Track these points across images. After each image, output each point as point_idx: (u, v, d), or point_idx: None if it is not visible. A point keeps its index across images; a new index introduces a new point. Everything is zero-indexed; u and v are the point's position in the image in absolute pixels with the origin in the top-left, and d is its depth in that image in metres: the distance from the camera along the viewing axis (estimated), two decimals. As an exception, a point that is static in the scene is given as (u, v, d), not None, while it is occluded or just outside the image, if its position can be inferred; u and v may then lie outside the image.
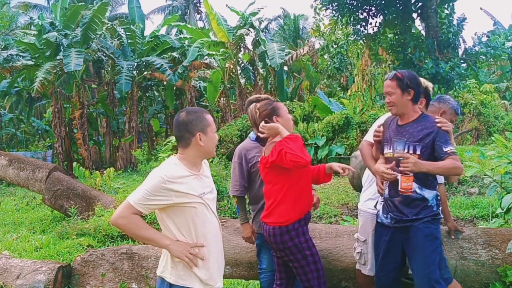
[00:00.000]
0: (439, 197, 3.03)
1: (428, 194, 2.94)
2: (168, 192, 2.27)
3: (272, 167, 2.95)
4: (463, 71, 10.50)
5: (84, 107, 16.93)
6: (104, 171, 10.16)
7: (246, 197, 3.69)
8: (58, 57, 15.67)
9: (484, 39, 11.78)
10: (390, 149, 3.03)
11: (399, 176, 2.84)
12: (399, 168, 2.82)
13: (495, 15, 22.72)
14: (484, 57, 11.54)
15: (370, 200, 3.43)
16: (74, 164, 10.88)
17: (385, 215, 3.08)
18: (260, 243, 3.57)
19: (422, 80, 3.26)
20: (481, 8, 35.58)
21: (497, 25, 23.02)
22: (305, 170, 3.04)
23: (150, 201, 2.28)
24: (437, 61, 10.16)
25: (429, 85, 3.34)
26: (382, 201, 3.12)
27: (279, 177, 2.98)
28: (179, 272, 2.36)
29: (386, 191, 3.03)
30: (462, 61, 10.96)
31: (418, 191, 2.91)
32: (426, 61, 10.24)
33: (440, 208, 3.04)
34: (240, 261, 3.93)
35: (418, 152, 2.90)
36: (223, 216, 7.28)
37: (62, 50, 15.47)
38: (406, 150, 2.91)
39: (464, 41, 14.49)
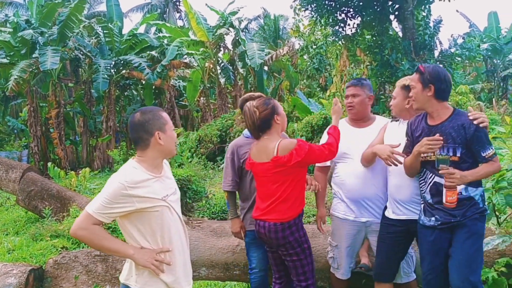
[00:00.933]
0: (484, 193, 2.89)
1: (474, 192, 2.81)
2: (129, 198, 2.18)
3: (290, 167, 2.92)
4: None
5: (60, 106, 16.63)
6: (80, 172, 10.00)
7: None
8: (34, 56, 15.32)
9: (460, 41, 12.01)
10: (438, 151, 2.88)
11: (444, 190, 2.75)
12: (445, 183, 2.73)
13: (471, 18, 23.14)
14: (459, 59, 11.76)
15: (339, 203, 3.43)
16: (49, 164, 10.65)
17: (428, 218, 2.91)
18: (249, 241, 3.55)
19: (407, 79, 3.21)
20: (457, 11, 36.30)
21: (472, 27, 23.53)
22: (305, 168, 3.07)
23: (111, 209, 2.18)
24: (413, 62, 10.31)
25: None
26: (422, 203, 2.97)
27: (288, 176, 2.96)
28: (145, 279, 2.28)
29: (428, 197, 2.90)
30: (437, 62, 11.13)
31: (463, 192, 2.79)
32: (403, 62, 10.37)
33: (486, 204, 2.90)
34: (216, 263, 3.91)
35: (458, 154, 2.79)
36: (201, 217, 7.26)
37: (38, 48, 15.12)
38: (446, 153, 2.79)
39: (440, 43, 14.74)
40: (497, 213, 3.73)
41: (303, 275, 3.05)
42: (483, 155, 2.73)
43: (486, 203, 2.90)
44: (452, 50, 11.65)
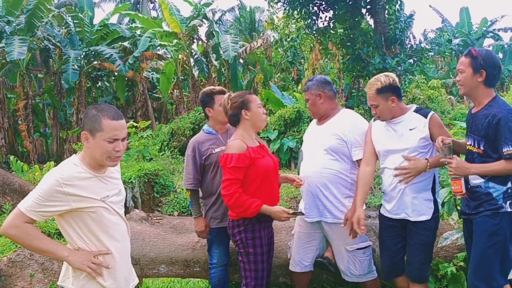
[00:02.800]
0: (510, 191, 2.67)
1: (495, 188, 2.66)
2: (64, 197, 2.04)
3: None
4: (409, 67, 10.77)
5: (29, 98, 16.23)
6: (45, 166, 9.76)
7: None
8: (0, 45, 14.90)
9: (432, 35, 12.15)
10: (468, 140, 2.82)
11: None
12: (448, 172, 2.69)
13: (443, 13, 23.47)
14: (431, 54, 11.90)
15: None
16: (11, 157, 10.34)
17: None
18: (212, 238, 3.53)
19: (380, 79, 3.07)
20: (430, 6, 36.75)
21: (445, 22, 23.87)
22: (268, 171, 2.98)
23: (44, 207, 2.03)
24: (384, 56, 10.38)
25: (392, 80, 3.08)
26: None
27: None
28: (81, 281, 2.16)
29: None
30: (408, 57, 11.24)
31: (483, 186, 2.69)
32: (374, 56, 10.43)
33: (510, 203, 2.66)
34: (176, 260, 3.84)
35: (481, 147, 2.67)
36: (171, 212, 7.17)
37: (4, 37, 14.69)
38: (473, 144, 2.72)
39: (414, 37, 14.89)
40: (458, 207, 3.76)
41: (245, 278, 3.03)
42: (503, 150, 2.56)
43: (511, 203, 2.66)
44: (423, 45, 11.78)
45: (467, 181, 2.74)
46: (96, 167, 2.19)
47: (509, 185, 2.65)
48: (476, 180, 2.72)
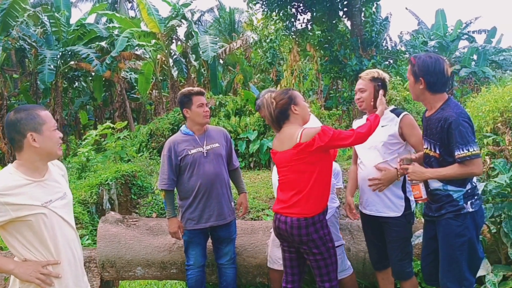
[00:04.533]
0: (470, 191, 2.69)
1: (454, 190, 2.67)
2: (2, 207, 1.97)
3: (311, 153, 2.76)
4: (385, 68, 10.94)
5: (4, 99, 15.87)
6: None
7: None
8: (-27, 45, 14.57)
9: (407, 37, 12.35)
10: (425, 144, 2.85)
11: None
12: (408, 179, 2.72)
13: (419, 15, 23.82)
14: (406, 55, 12.09)
15: None
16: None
17: (424, 206, 2.93)
18: (188, 239, 3.53)
19: (378, 71, 3.18)
20: (406, 8, 37.24)
21: (421, 24, 24.21)
22: (329, 161, 2.93)
23: None
24: (361, 58, 10.51)
25: (386, 76, 3.24)
26: None
27: (311, 166, 2.80)
28: None
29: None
30: (384, 59, 11.41)
31: (442, 188, 2.70)
32: (351, 58, 10.56)
33: (471, 203, 2.68)
34: (152, 262, 3.84)
35: (437, 151, 2.68)
36: (149, 213, 7.12)
37: (-22, 37, 14.40)
38: (429, 148, 2.75)
39: (390, 39, 15.10)
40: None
41: (327, 275, 2.88)
42: (456, 154, 2.55)
43: (472, 202, 2.69)
44: (399, 47, 11.98)
45: (427, 185, 2.78)
46: (33, 172, 2.13)
47: (468, 186, 2.68)
48: (435, 184, 2.75)
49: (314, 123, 3.17)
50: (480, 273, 3.27)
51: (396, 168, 3.00)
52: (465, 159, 2.53)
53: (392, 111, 3.16)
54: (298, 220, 2.80)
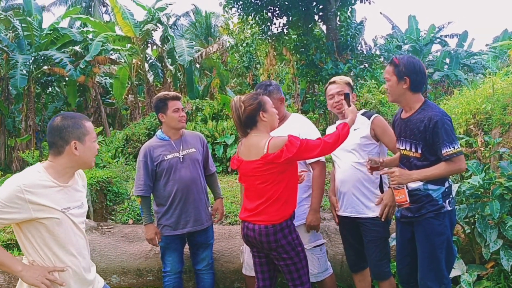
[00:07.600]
0: (447, 190, 2.76)
1: (434, 189, 2.73)
2: (25, 204, 1.99)
3: (280, 164, 2.72)
4: (360, 72, 11.07)
5: (-27, 104, 15.50)
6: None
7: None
8: None
9: (381, 41, 12.53)
10: (402, 145, 2.87)
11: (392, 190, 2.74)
12: (390, 184, 2.70)
13: (393, 20, 24.21)
14: (381, 59, 12.27)
15: None
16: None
17: (397, 209, 2.95)
18: (165, 246, 3.48)
19: (348, 78, 3.30)
20: (380, 13, 37.80)
21: (395, 29, 24.64)
22: (296, 166, 2.90)
23: (3, 214, 1.97)
24: (336, 62, 10.62)
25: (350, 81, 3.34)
26: None
27: (279, 175, 2.76)
28: None
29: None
30: (359, 62, 11.55)
31: (421, 188, 2.74)
32: (327, 62, 10.65)
33: (449, 201, 2.75)
34: (128, 269, 3.77)
35: (419, 151, 2.72)
36: (126, 220, 7.00)
37: None
38: (409, 148, 2.78)
39: (365, 43, 15.32)
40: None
41: (299, 279, 2.88)
42: (442, 152, 2.61)
43: (449, 201, 2.76)
44: (374, 51, 12.15)
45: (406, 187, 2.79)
46: (60, 176, 2.17)
47: (446, 184, 2.75)
48: (414, 184, 2.78)
49: (311, 131, 3.24)
50: (455, 273, 3.33)
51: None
52: (453, 156, 2.60)
53: (363, 114, 3.24)
54: (266, 228, 2.79)
